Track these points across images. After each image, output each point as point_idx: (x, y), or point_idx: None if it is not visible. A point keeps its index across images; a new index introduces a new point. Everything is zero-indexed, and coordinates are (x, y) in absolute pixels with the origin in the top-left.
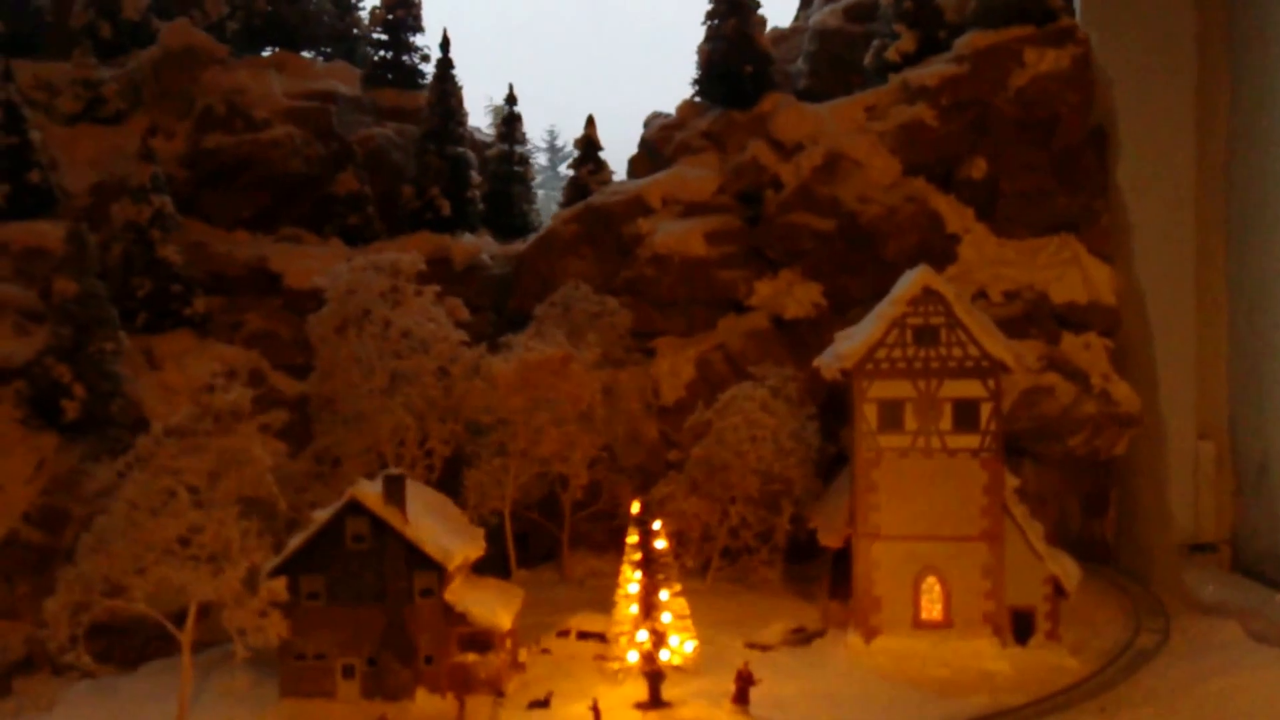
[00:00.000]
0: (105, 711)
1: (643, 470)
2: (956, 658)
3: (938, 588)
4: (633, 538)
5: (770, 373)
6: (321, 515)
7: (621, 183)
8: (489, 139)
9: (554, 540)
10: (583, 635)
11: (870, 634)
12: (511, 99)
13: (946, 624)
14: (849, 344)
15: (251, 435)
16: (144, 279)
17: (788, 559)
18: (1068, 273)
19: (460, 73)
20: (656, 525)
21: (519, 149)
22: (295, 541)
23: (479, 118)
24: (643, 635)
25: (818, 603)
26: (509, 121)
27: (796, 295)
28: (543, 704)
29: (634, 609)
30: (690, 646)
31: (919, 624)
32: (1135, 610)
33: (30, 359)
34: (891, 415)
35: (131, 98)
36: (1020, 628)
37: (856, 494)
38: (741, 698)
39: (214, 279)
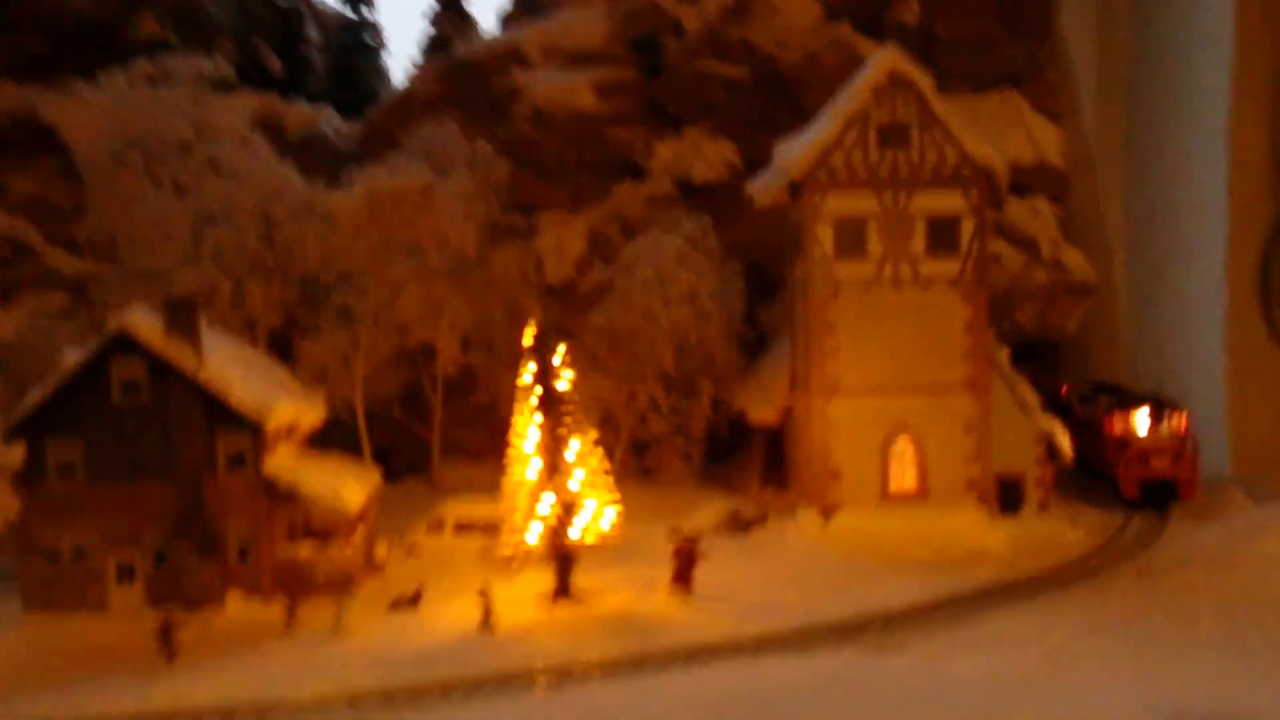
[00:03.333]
0: None
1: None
2: (936, 533)
3: (910, 451)
4: (525, 374)
5: (684, 221)
6: (74, 356)
7: (492, 36)
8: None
9: (421, 448)
10: (462, 527)
11: (829, 511)
12: None
13: (922, 494)
14: (792, 151)
15: None
16: None
17: (707, 454)
18: (1011, 132)
19: None
20: (558, 357)
21: (366, 12)
22: (36, 394)
23: None
24: (547, 503)
25: (748, 494)
26: None
27: (706, 155)
28: (411, 601)
29: (533, 471)
30: (610, 516)
31: (888, 496)
32: None
33: None
34: (852, 237)
35: None
36: (1007, 497)
37: (809, 338)
38: (682, 578)
39: None
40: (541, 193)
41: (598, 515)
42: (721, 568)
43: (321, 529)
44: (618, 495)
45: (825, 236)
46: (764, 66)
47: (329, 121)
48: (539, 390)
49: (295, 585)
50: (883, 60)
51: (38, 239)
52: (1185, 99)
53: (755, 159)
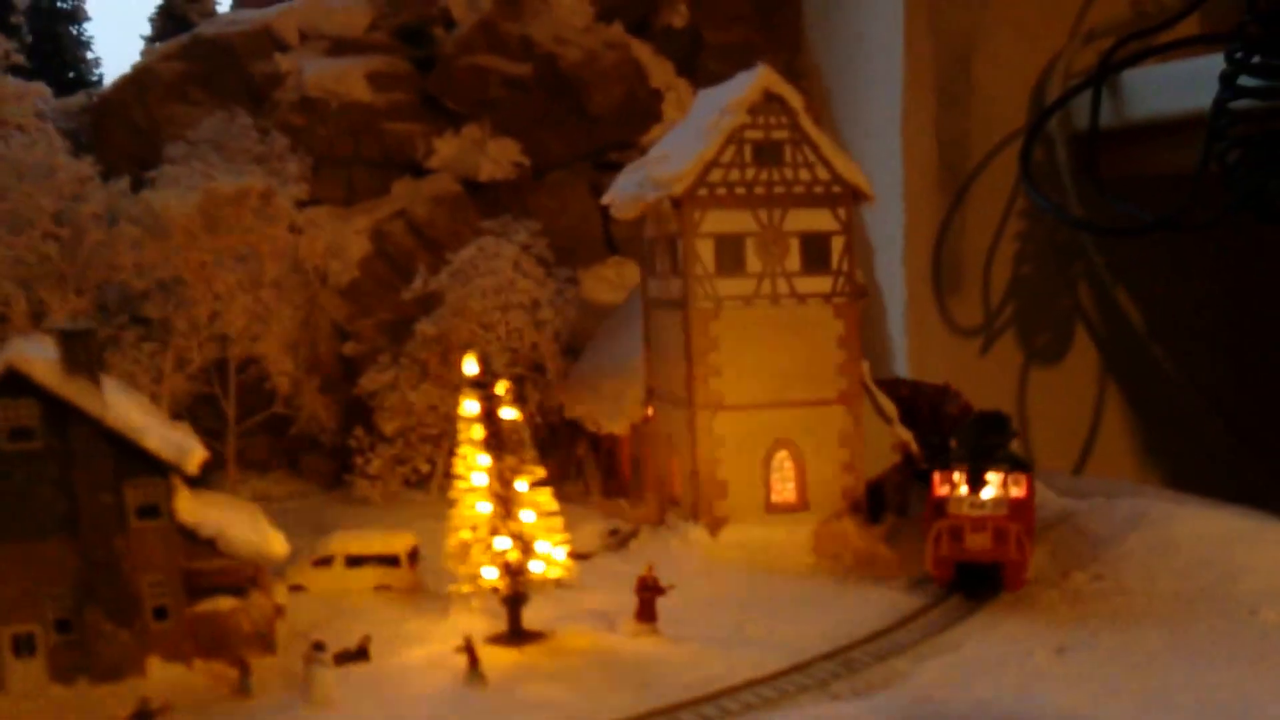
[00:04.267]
0: None
1: (317, 367)
2: (821, 543)
3: (789, 464)
4: (468, 407)
5: (512, 227)
6: None
7: (237, 13)
8: None
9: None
10: (354, 560)
11: (716, 525)
12: None
13: (802, 505)
14: (669, 166)
15: None
16: None
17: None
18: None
19: None
20: (501, 389)
21: None
22: None
23: None
24: (503, 542)
25: (590, 504)
26: None
27: (491, 154)
28: (357, 655)
29: (482, 506)
30: (562, 553)
31: (771, 507)
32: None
33: None
34: (731, 254)
35: None
36: (874, 504)
37: (692, 354)
38: (647, 613)
39: None
40: (313, 188)
41: (551, 550)
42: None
43: (236, 578)
44: (567, 534)
45: (706, 252)
46: (545, 64)
47: (43, 100)
48: (484, 425)
49: (217, 644)
50: (759, 79)
51: None
52: (868, 108)
53: (542, 159)
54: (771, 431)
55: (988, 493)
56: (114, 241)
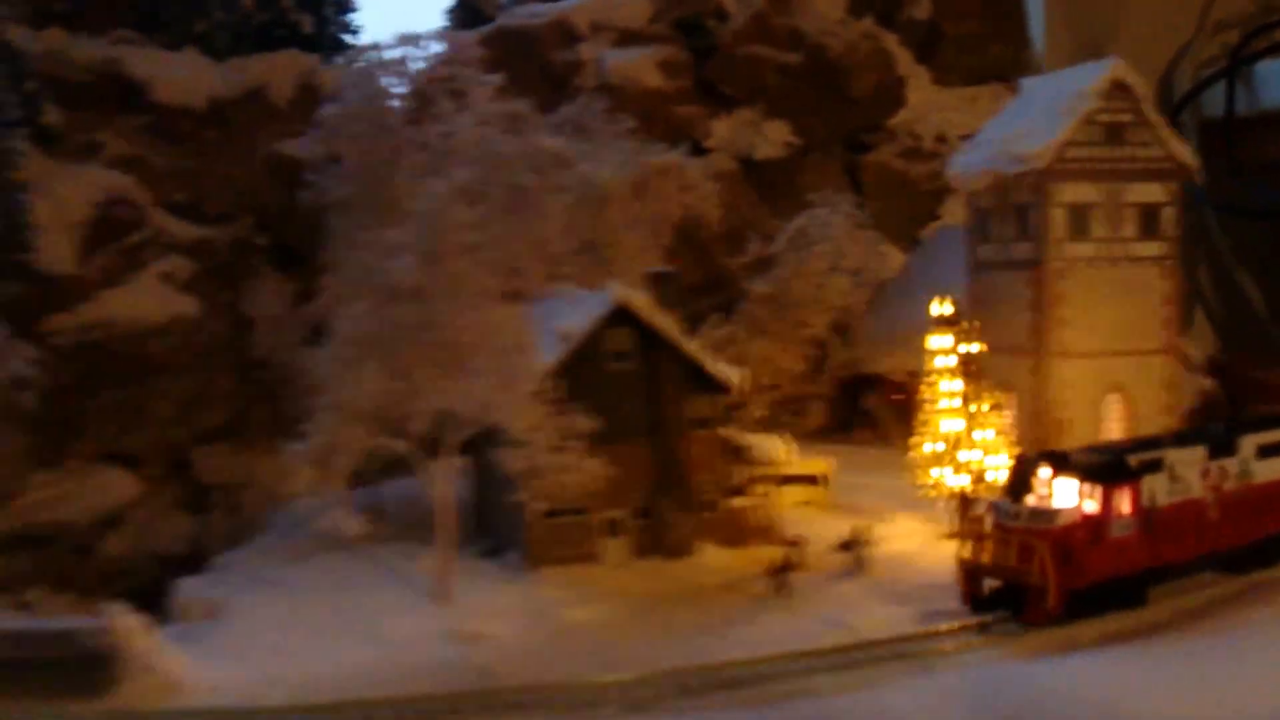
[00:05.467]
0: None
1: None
2: None
3: (1119, 405)
4: (939, 341)
5: (831, 199)
6: (573, 328)
7: (535, 6)
8: None
9: None
10: (784, 480)
11: None
12: None
13: None
14: (1027, 144)
15: None
16: None
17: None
18: None
19: None
20: (966, 326)
21: None
22: (548, 360)
23: None
24: (968, 454)
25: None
26: None
27: (766, 134)
28: (851, 545)
29: (951, 424)
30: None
31: None
32: None
33: None
34: (1079, 221)
35: None
36: None
37: (1043, 308)
38: None
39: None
40: None
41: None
42: None
43: (758, 482)
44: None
45: (1058, 220)
46: (814, 54)
47: None
48: (957, 356)
49: (736, 534)
50: (1110, 69)
51: (145, 198)
52: None
53: (808, 140)
54: (1106, 377)
55: (1055, 500)
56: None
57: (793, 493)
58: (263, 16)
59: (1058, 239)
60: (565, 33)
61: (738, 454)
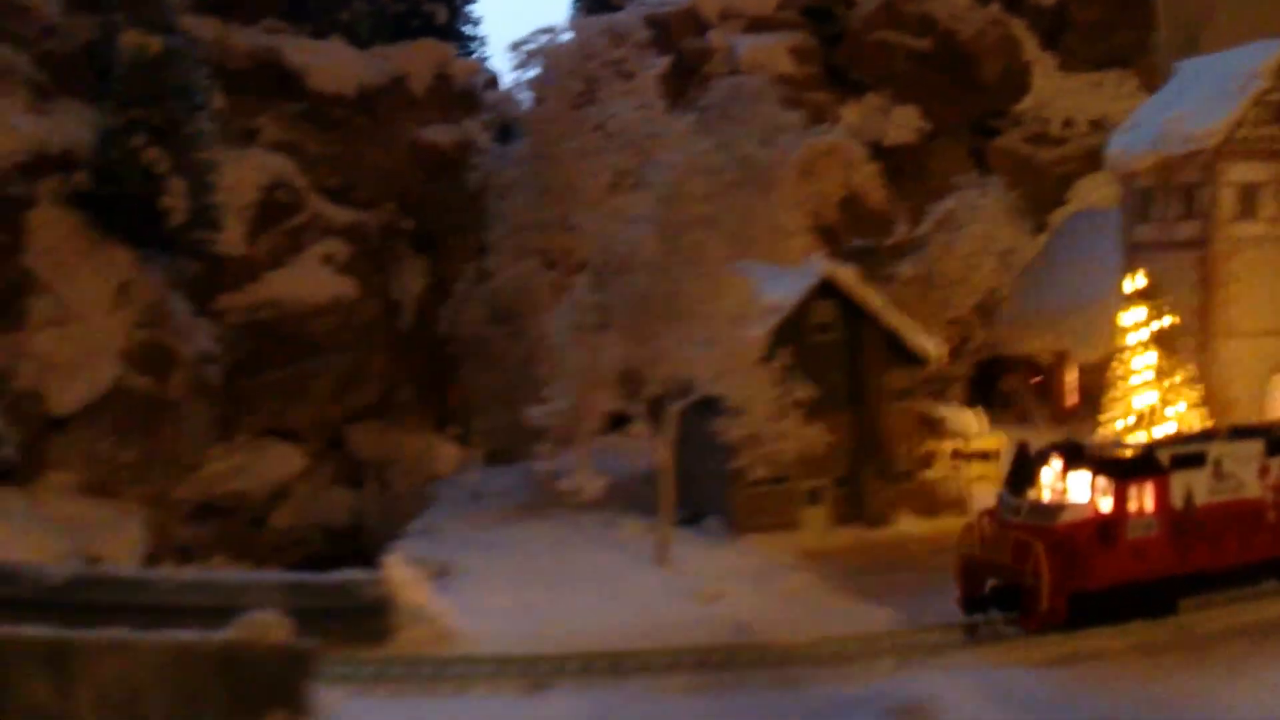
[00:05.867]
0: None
1: None
2: None
3: None
4: (1132, 316)
5: (973, 183)
6: (778, 298)
7: None
8: None
9: None
10: (963, 455)
11: None
12: None
13: None
14: (1195, 124)
15: None
16: None
17: None
18: (1125, 105)
19: None
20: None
21: None
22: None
23: None
24: (1164, 428)
25: (1036, 428)
26: None
27: (896, 119)
28: None
29: (1146, 397)
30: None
31: None
32: None
33: (93, 141)
34: (1247, 201)
35: None
36: None
37: (1210, 288)
38: None
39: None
40: None
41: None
42: None
43: (954, 453)
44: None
45: (1227, 200)
46: (944, 40)
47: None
48: (1151, 329)
49: (930, 504)
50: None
51: (302, 183)
52: None
53: (937, 125)
54: (1272, 355)
55: (1069, 495)
56: None
57: (973, 468)
58: (399, 6)
59: (1226, 218)
60: (695, 21)
61: (933, 426)
